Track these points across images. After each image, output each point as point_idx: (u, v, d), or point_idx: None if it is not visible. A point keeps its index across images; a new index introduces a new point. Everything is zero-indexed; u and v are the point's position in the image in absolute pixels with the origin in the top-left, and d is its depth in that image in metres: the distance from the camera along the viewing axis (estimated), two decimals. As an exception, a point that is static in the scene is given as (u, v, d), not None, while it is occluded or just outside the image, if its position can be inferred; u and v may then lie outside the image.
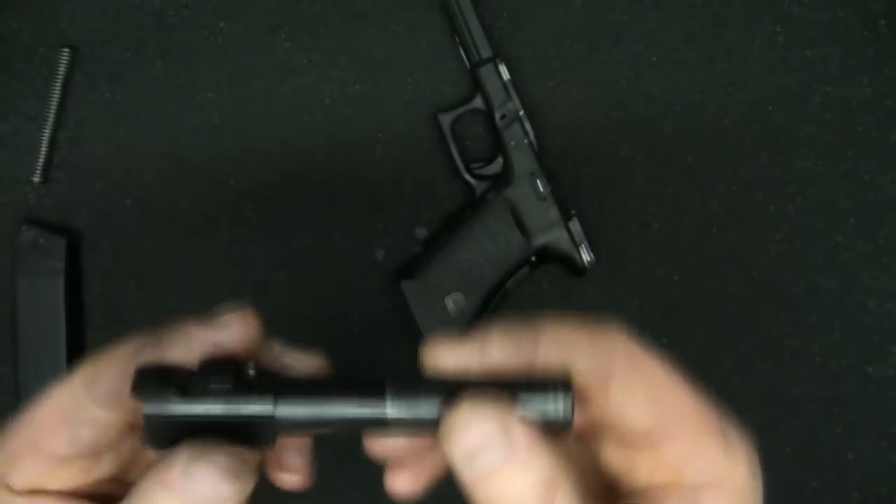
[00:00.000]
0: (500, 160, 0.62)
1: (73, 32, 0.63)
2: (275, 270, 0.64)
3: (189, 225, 0.63)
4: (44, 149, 0.62)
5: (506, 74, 0.61)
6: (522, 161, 0.61)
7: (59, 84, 0.62)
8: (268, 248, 0.63)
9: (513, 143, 0.61)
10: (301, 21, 0.63)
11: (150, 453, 0.31)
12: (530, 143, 0.61)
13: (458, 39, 0.62)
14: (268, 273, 0.63)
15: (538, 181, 0.61)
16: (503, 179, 0.61)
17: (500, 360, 0.29)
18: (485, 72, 0.61)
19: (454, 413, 0.26)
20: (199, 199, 0.63)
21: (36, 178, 0.62)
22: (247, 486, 0.28)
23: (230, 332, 0.30)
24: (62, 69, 0.62)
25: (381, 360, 0.64)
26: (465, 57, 0.62)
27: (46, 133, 0.62)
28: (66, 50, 0.62)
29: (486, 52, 0.61)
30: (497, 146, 0.62)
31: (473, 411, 0.26)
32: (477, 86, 0.62)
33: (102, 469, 0.31)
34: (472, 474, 0.26)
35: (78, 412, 0.30)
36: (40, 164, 0.62)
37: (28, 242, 0.60)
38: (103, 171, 0.63)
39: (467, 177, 0.62)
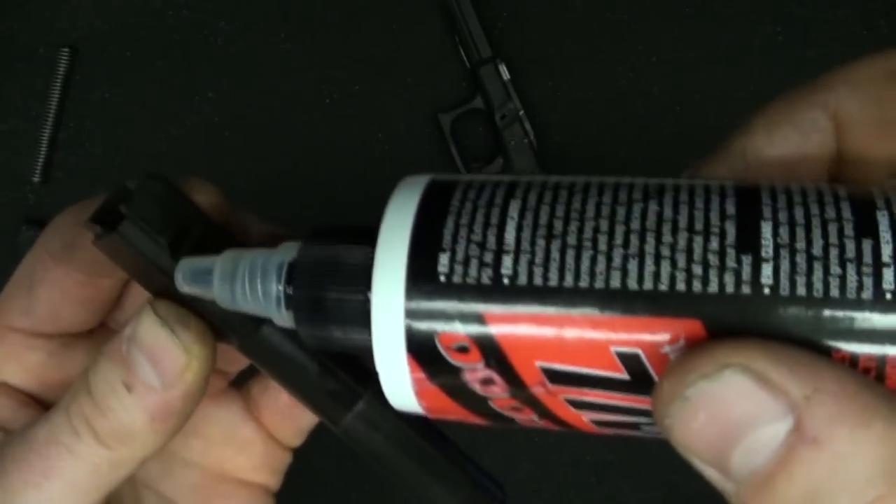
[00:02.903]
0: (500, 160, 0.62)
1: (73, 32, 0.63)
2: (275, 270, 0.64)
3: (189, 225, 0.63)
4: (44, 149, 0.62)
5: (506, 74, 0.61)
6: (522, 161, 0.61)
7: (59, 84, 0.62)
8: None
9: (513, 143, 0.61)
10: (301, 21, 0.63)
11: None
12: (530, 143, 0.61)
13: (458, 39, 0.62)
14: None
15: (538, 181, 0.61)
16: (503, 179, 0.61)
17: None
18: (485, 72, 0.61)
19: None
20: (199, 199, 0.63)
21: (36, 178, 0.62)
22: (204, 359, 0.24)
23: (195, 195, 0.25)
24: (62, 69, 0.62)
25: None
26: (465, 57, 0.62)
27: (46, 133, 0.62)
28: (66, 50, 0.62)
29: (486, 52, 0.61)
30: (497, 146, 0.62)
31: None
32: (477, 86, 0.62)
33: (74, 363, 0.27)
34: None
35: (35, 270, 0.27)
36: (40, 164, 0.62)
37: (28, 242, 0.60)
38: (103, 171, 0.63)
39: (467, 177, 0.62)
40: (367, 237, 0.21)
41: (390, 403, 0.21)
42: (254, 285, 0.22)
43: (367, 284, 0.20)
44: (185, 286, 0.23)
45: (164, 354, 0.23)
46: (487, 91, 0.61)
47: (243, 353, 0.26)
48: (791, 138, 0.22)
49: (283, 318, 0.22)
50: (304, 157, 0.63)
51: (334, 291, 0.21)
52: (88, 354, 0.27)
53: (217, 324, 0.25)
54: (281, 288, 0.22)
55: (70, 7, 0.63)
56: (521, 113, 0.61)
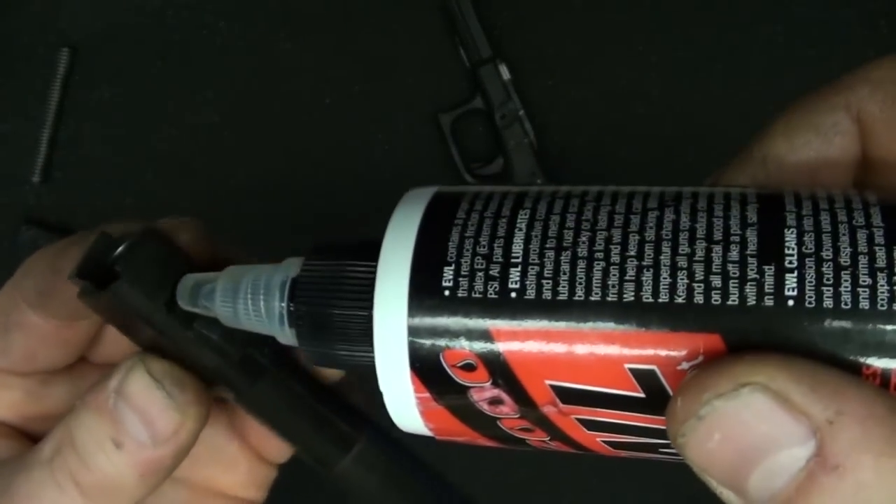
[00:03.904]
0: (500, 160, 0.62)
1: (72, 32, 0.63)
2: (275, 270, 0.64)
3: (189, 225, 0.63)
4: (44, 149, 0.62)
5: (506, 74, 0.61)
6: (522, 161, 0.61)
7: (59, 84, 0.62)
8: (268, 249, 0.63)
9: (513, 143, 0.61)
10: (301, 21, 0.63)
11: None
12: (530, 143, 0.61)
13: (458, 39, 0.62)
14: (268, 273, 0.63)
15: (538, 181, 0.61)
16: (503, 179, 0.61)
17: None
18: (485, 72, 0.61)
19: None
20: (199, 199, 0.63)
21: (36, 178, 0.62)
22: (200, 419, 0.23)
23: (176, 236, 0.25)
24: (62, 69, 0.62)
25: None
26: (465, 57, 0.62)
27: (46, 133, 0.62)
28: (65, 50, 0.62)
29: (486, 52, 0.61)
30: (497, 146, 0.62)
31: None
32: (477, 86, 0.62)
33: (53, 398, 0.27)
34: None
35: (10, 313, 0.25)
36: (40, 164, 0.62)
37: (28, 242, 0.60)
38: (103, 171, 0.63)
39: (467, 177, 0.62)
40: (372, 252, 0.20)
41: (397, 425, 0.21)
42: (256, 302, 0.22)
43: (370, 300, 0.19)
44: (186, 304, 0.23)
45: (158, 415, 0.23)
46: (487, 91, 0.61)
47: (239, 405, 0.26)
48: (813, 143, 0.20)
49: (286, 336, 0.22)
50: (303, 157, 0.63)
51: (337, 308, 0.20)
52: (68, 388, 0.27)
53: (210, 378, 0.24)
54: (284, 305, 0.21)
55: (70, 7, 0.63)
56: (521, 113, 0.61)
